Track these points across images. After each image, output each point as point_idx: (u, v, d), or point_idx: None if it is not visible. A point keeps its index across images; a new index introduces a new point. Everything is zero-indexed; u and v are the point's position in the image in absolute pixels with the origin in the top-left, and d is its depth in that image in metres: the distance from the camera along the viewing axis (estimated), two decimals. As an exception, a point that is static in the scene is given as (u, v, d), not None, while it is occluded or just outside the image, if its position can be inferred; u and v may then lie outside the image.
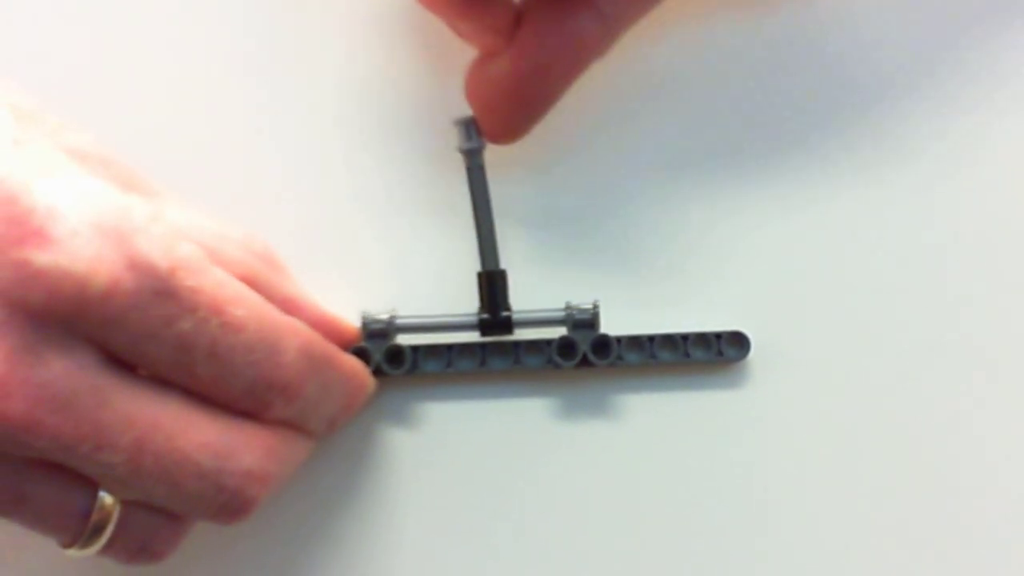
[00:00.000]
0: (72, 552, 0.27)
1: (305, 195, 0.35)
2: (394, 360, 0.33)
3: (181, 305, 0.26)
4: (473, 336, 0.33)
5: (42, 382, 0.24)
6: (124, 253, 0.25)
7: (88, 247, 0.24)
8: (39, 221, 0.24)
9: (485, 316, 0.33)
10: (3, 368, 0.24)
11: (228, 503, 0.28)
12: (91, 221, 0.25)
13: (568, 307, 0.33)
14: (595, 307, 0.33)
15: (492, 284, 0.33)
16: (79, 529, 0.27)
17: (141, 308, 0.25)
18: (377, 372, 0.33)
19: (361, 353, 0.32)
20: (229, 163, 0.35)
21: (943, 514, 0.33)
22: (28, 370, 0.24)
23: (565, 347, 0.33)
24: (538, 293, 0.34)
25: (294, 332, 0.29)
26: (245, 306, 0.27)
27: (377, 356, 0.33)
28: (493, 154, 0.32)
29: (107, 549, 0.28)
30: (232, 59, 0.35)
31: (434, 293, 0.34)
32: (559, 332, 0.33)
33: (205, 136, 0.35)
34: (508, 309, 0.33)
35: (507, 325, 0.33)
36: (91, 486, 0.27)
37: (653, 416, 0.34)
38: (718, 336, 0.33)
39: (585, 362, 0.33)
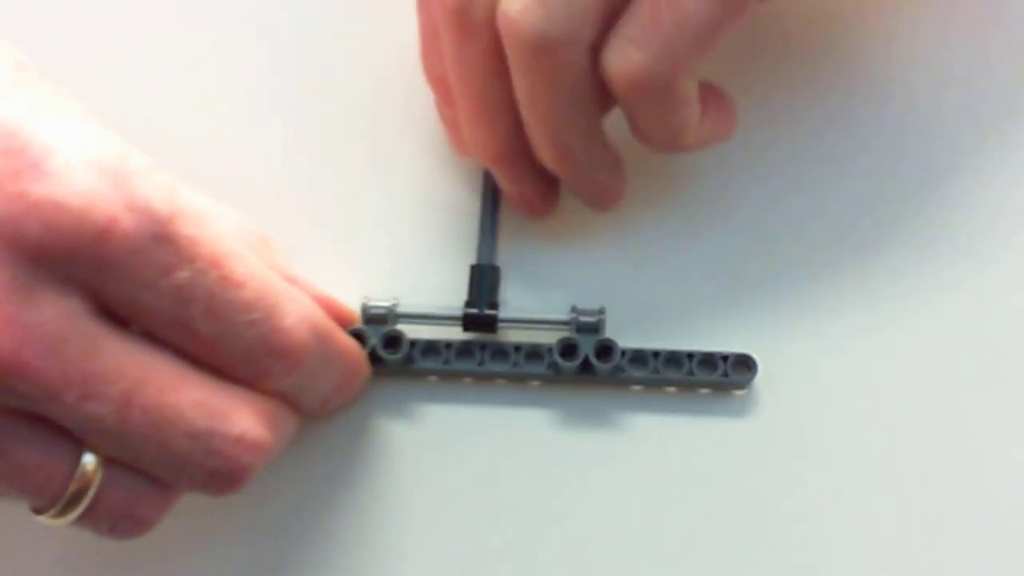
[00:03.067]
0: (46, 519, 0.26)
1: (303, 188, 0.35)
2: (391, 345, 0.32)
3: (179, 253, 0.25)
4: (475, 336, 0.32)
5: (31, 324, 0.23)
6: (123, 194, 0.24)
7: (85, 182, 0.23)
8: (36, 154, 0.23)
9: (471, 311, 0.32)
10: None
11: (219, 469, 0.26)
12: (90, 159, 0.24)
13: (574, 310, 0.32)
14: (600, 311, 0.32)
15: (481, 278, 0.32)
16: (58, 491, 0.25)
17: (138, 252, 0.24)
18: (373, 357, 0.32)
19: (358, 335, 0.31)
20: (228, 154, 0.35)
21: (956, 548, 0.32)
22: (17, 309, 0.23)
23: (567, 349, 0.32)
24: (543, 305, 0.33)
25: (295, 300, 0.28)
26: (245, 264, 0.26)
27: (374, 339, 0.32)
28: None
29: (85, 518, 0.26)
30: (234, 51, 0.36)
31: (429, 287, 0.34)
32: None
33: (205, 126, 0.35)
34: (495, 307, 0.32)
35: (490, 323, 0.32)
36: (75, 445, 0.25)
37: (654, 435, 0.32)
38: (724, 358, 0.32)
39: (586, 368, 0.32)
